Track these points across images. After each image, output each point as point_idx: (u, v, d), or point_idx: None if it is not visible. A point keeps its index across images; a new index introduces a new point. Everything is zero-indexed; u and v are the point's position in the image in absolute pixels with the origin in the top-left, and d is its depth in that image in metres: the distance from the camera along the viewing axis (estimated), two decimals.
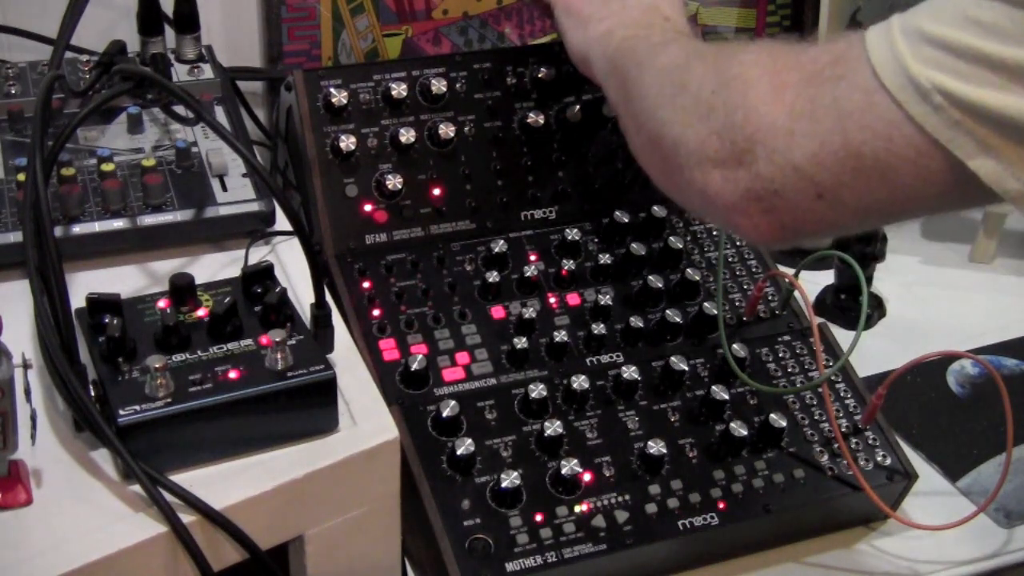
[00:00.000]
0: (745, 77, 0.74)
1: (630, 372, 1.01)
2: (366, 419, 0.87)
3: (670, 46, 0.87)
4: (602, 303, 1.06)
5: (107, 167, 1.00)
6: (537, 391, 0.98)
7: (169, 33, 1.13)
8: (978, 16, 0.64)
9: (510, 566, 0.90)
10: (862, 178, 0.69)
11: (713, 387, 1.01)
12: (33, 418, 0.79)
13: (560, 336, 1.02)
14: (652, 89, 0.84)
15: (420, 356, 0.98)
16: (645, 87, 0.85)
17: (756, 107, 0.72)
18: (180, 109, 1.03)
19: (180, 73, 1.12)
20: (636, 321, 1.05)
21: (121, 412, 0.77)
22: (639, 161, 0.89)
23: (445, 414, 0.95)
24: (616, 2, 0.98)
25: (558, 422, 0.96)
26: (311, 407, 0.84)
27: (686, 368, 1.02)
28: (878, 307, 1.29)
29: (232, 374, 0.81)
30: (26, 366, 0.78)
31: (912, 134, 0.66)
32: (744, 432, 0.99)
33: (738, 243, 1.16)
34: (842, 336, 1.10)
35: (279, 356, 0.82)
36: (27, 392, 0.79)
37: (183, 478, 0.79)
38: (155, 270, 1.00)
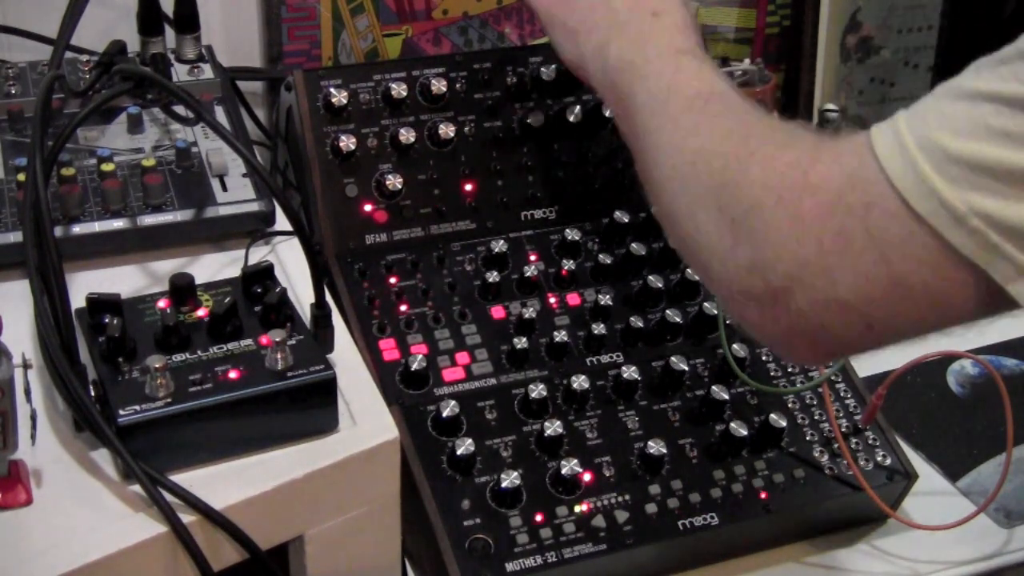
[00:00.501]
0: (760, 208, 0.69)
1: (630, 372, 1.01)
2: (366, 419, 0.87)
3: (670, 104, 0.80)
4: (602, 303, 1.06)
5: (107, 167, 1.00)
6: (537, 391, 0.98)
7: (169, 33, 1.13)
8: (1004, 127, 0.60)
9: (510, 566, 0.90)
10: (912, 306, 0.66)
11: (713, 387, 1.01)
12: (33, 418, 0.79)
13: (560, 336, 1.02)
14: (667, 191, 0.78)
15: (420, 356, 0.98)
16: (657, 171, 0.80)
17: (782, 245, 0.67)
18: (180, 109, 1.03)
19: (180, 73, 1.12)
20: (636, 321, 1.05)
21: (121, 412, 0.77)
22: (661, 225, 0.83)
23: (445, 414, 0.95)
24: (600, 7, 0.90)
25: (558, 422, 0.96)
26: (311, 407, 0.83)
27: (686, 368, 1.02)
28: None
29: (232, 374, 0.81)
30: (26, 366, 0.78)
31: (956, 259, 0.62)
32: (744, 432, 0.99)
33: None
34: None
35: (279, 356, 0.82)
36: (27, 392, 0.79)
37: (183, 478, 0.79)
38: (155, 270, 1.00)
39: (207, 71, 1.13)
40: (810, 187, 0.67)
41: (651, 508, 0.95)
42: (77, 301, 0.84)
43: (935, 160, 0.62)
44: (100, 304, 0.84)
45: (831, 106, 1.38)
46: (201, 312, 0.86)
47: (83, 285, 0.92)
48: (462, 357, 1.01)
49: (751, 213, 0.70)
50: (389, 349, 1.00)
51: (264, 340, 0.84)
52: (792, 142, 0.71)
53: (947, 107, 0.63)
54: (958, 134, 0.61)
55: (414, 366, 0.98)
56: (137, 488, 0.78)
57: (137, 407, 0.78)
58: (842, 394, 1.07)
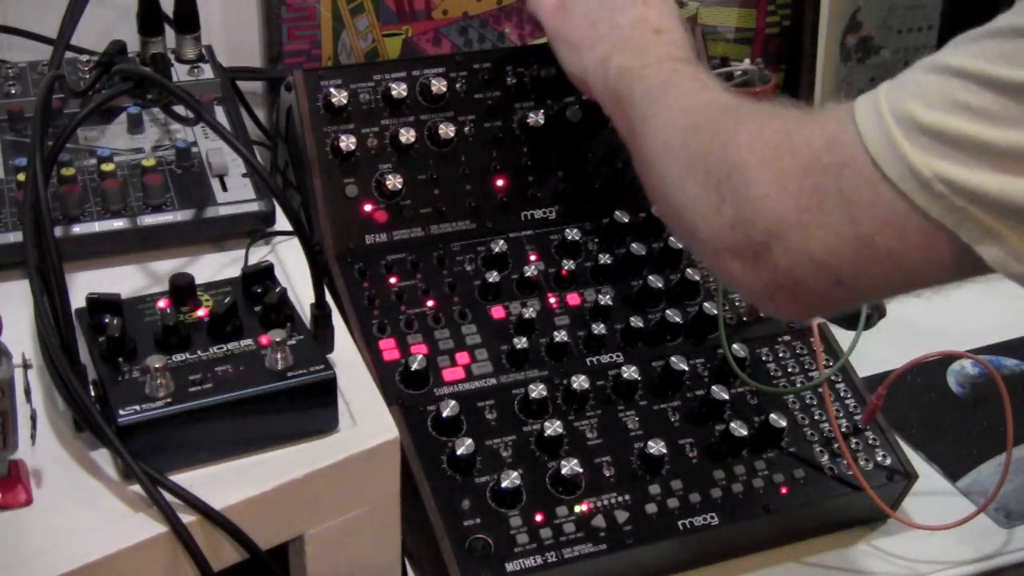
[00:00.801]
0: (745, 166, 0.73)
1: (630, 372, 1.01)
2: (366, 419, 0.87)
3: (667, 95, 0.86)
4: (602, 303, 1.06)
5: (107, 167, 1.00)
6: (537, 391, 0.98)
7: (169, 33, 1.13)
8: (967, 101, 0.64)
9: (510, 566, 0.90)
10: (878, 265, 0.69)
11: (713, 387, 1.01)
12: (33, 418, 0.79)
13: (560, 336, 1.02)
14: (658, 164, 0.83)
15: (420, 356, 0.98)
16: (650, 151, 0.85)
17: (762, 200, 0.72)
18: (180, 109, 1.03)
19: (180, 73, 1.12)
20: (636, 321, 1.05)
21: (121, 412, 0.77)
22: (651, 201, 0.90)
23: (445, 414, 0.95)
24: (604, 23, 0.96)
25: (558, 422, 0.96)
26: (311, 407, 0.84)
27: (686, 368, 1.02)
28: (878, 307, 1.29)
29: (232, 374, 0.81)
30: (26, 366, 0.78)
31: (921, 223, 0.66)
32: (744, 432, 0.99)
33: None
34: (842, 336, 1.10)
35: (279, 356, 0.82)
36: (27, 392, 0.79)
37: (183, 478, 0.79)
38: (155, 270, 1.00)
39: (207, 71, 1.13)
40: (792, 148, 0.72)
41: (651, 508, 0.95)
42: (77, 301, 0.84)
43: (906, 128, 0.66)
44: (100, 304, 0.84)
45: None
46: (201, 312, 0.86)
47: (83, 285, 0.92)
48: (462, 357, 1.01)
49: (735, 173, 0.74)
50: (389, 349, 1.00)
51: (264, 340, 0.84)
52: (781, 113, 0.76)
53: (922, 79, 0.67)
54: (929, 105, 0.66)
55: (414, 366, 0.98)
56: (137, 488, 0.78)
57: (137, 407, 0.78)
58: (842, 394, 1.07)
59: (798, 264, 0.71)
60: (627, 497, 0.95)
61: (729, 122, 0.78)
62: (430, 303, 1.04)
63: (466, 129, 1.12)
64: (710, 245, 0.77)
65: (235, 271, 0.91)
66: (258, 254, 1.02)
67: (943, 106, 0.65)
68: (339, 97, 1.07)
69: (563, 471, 0.94)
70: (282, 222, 1.03)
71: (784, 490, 0.99)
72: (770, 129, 0.74)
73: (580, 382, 0.99)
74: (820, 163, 0.70)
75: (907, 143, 0.66)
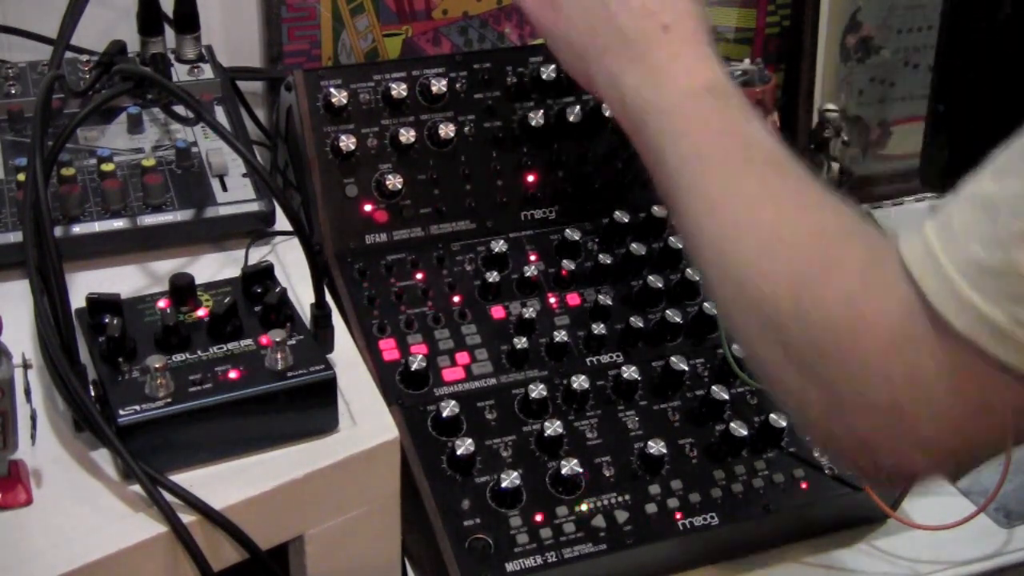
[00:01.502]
0: (826, 356, 0.64)
1: (630, 372, 1.01)
2: (366, 419, 0.87)
3: (705, 178, 0.74)
4: (602, 303, 1.06)
5: (107, 167, 1.00)
6: (537, 391, 0.98)
7: (169, 33, 1.13)
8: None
9: (510, 566, 0.90)
10: (995, 425, 0.63)
11: (713, 387, 1.01)
12: (33, 418, 0.79)
13: (560, 336, 1.02)
14: (714, 289, 0.73)
15: (420, 356, 0.98)
16: (697, 248, 0.74)
17: (858, 396, 0.64)
18: (180, 109, 1.03)
19: (180, 73, 1.12)
20: (636, 321, 1.05)
21: (121, 412, 0.77)
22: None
23: (445, 414, 0.95)
24: (604, 25, 0.82)
25: (558, 422, 0.96)
26: (311, 407, 0.84)
27: (686, 368, 1.02)
28: None
29: (232, 374, 0.81)
30: (26, 366, 0.78)
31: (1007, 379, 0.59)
32: (744, 432, 0.99)
33: None
34: None
35: (279, 356, 0.82)
36: (27, 392, 0.79)
37: (183, 478, 0.79)
38: (155, 270, 1.00)
39: (207, 71, 1.13)
40: (868, 327, 0.63)
41: (651, 508, 0.95)
42: (77, 301, 0.84)
43: (974, 279, 0.59)
44: (100, 304, 0.84)
45: (831, 106, 1.38)
46: (201, 312, 0.86)
47: (83, 285, 0.92)
48: (462, 357, 1.01)
49: (818, 362, 0.65)
50: (389, 349, 1.00)
51: (264, 340, 0.84)
52: (840, 258, 0.67)
53: (978, 219, 0.60)
54: (991, 246, 0.58)
55: (414, 366, 0.98)
56: (137, 488, 0.78)
57: (137, 407, 0.78)
58: None
59: (913, 452, 0.64)
60: (627, 497, 0.95)
61: (788, 280, 0.67)
62: (430, 303, 1.04)
63: (466, 129, 1.12)
64: (802, 423, 0.70)
65: (235, 271, 0.91)
66: (258, 254, 1.02)
67: (1012, 241, 0.57)
68: (339, 97, 1.07)
69: (563, 471, 0.94)
70: (282, 222, 1.03)
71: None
72: (832, 299, 0.65)
73: (580, 382, 0.99)
74: (903, 337, 0.61)
75: (979, 298, 0.58)
